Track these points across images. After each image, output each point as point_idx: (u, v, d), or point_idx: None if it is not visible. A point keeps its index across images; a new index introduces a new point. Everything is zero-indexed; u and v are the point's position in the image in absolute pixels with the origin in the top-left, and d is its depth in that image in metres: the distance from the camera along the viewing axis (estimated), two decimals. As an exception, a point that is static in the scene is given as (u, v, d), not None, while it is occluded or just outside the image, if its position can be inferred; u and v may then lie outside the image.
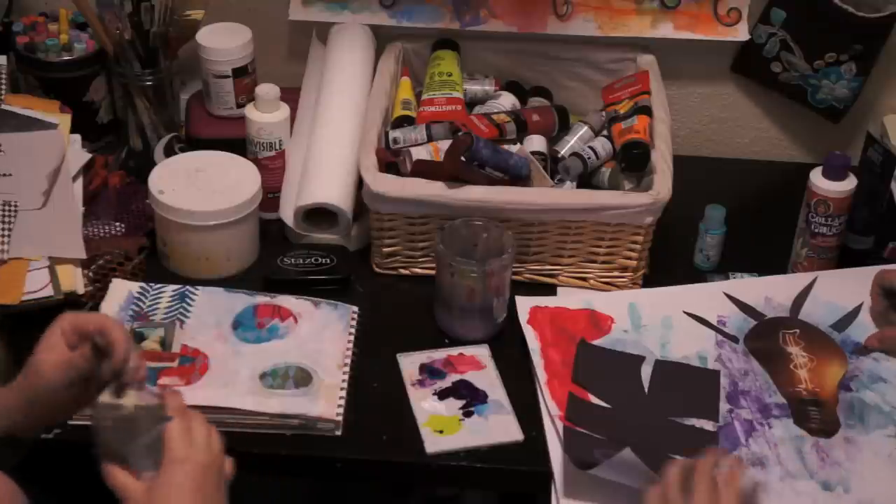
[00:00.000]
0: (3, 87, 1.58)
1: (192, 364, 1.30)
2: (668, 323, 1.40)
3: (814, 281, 1.45)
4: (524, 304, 1.41)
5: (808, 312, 1.42)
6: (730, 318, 1.41)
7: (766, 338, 1.39)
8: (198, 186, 1.45)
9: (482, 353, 1.37)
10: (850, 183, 1.43)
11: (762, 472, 1.22)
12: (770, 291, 1.44)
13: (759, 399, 1.31)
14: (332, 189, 1.46)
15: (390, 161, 1.46)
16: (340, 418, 1.26)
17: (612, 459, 1.17)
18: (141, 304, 1.38)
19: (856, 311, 1.41)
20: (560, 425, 1.25)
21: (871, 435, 1.27)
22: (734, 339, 1.39)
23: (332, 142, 1.51)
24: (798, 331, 1.40)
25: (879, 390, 1.32)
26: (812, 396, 1.31)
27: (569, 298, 1.44)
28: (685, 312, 1.41)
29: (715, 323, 1.40)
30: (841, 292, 1.43)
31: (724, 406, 1.30)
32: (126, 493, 1.05)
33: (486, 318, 1.38)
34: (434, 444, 1.25)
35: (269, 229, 1.53)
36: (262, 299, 1.40)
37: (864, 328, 1.39)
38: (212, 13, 1.63)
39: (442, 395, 1.31)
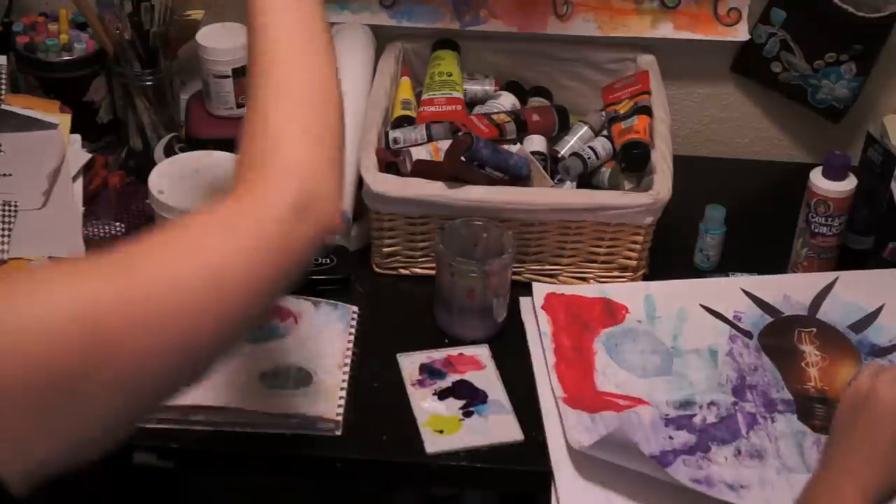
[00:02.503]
0: (3, 87, 1.58)
1: (192, 364, 1.30)
2: (682, 315, 1.40)
3: (835, 281, 1.45)
4: (540, 290, 1.42)
5: (827, 312, 1.42)
6: (746, 313, 1.42)
7: (780, 335, 1.39)
8: (198, 186, 1.45)
9: (482, 353, 1.37)
10: (850, 183, 1.43)
11: (760, 465, 1.22)
12: (789, 289, 1.45)
13: (765, 394, 1.31)
14: (332, 189, 1.46)
15: (390, 161, 1.46)
16: (340, 418, 1.26)
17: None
18: (141, 304, 1.38)
19: (876, 313, 1.41)
20: (563, 406, 1.26)
21: None
22: (748, 334, 1.39)
23: (332, 142, 1.50)
24: (814, 329, 1.40)
25: None
26: (820, 394, 1.32)
27: (585, 287, 1.45)
28: (701, 305, 1.42)
29: (730, 318, 1.41)
30: (862, 293, 1.44)
31: (728, 398, 1.30)
32: None
33: (486, 318, 1.38)
34: (434, 444, 1.25)
35: (269, 229, 1.53)
36: (262, 299, 1.40)
37: (883, 330, 1.39)
38: (212, 13, 1.63)
39: (442, 395, 1.31)
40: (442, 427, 1.27)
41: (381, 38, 1.67)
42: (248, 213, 0.90)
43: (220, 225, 0.89)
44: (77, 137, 1.55)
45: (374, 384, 1.32)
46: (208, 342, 0.86)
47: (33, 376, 0.76)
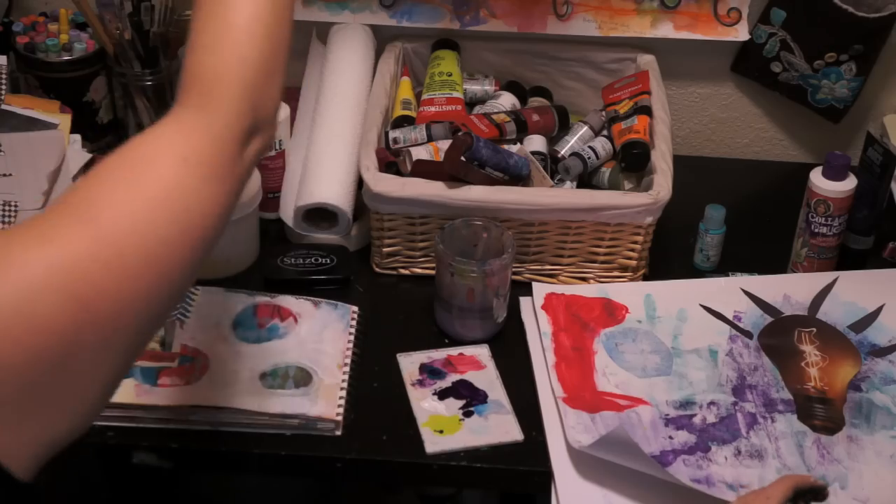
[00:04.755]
0: (3, 87, 1.58)
1: (192, 364, 1.30)
2: (682, 315, 1.40)
3: (834, 281, 1.45)
4: (540, 290, 1.42)
5: (827, 312, 1.42)
6: (746, 313, 1.42)
7: (780, 335, 1.39)
8: (198, 186, 1.45)
9: (482, 353, 1.37)
10: (850, 183, 1.43)
11: (759, 465, 1.22)
12: (789, 289, 1.45)
13: (765, 394, 1.31)
14: (332, 189, 1.46)
15: (390, 161, 1.46)
16: (340, 418, 1.26)
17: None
18: (141, 304, 1.38)
19: (875, 313, 1.42)
20: (563, 406, 1.26)
21: (875, 435, 1.27)
22: (748, 334, 1.39)
23: (332, 142, 1.51)
24: (814, 329, 1.40)
25: (891, 392, 1.32)
26: (819, 394, 1.32)
27: (585, 287, 1.45)
28: (701, 305, 1.42)
29: (731, 318, 1.41)
30: (862, 293, 1.44)
31: (728, 398, 1.30)
32: None
33: (486, 318, 1.38)
34: (434, 444, 1.25)
35: (269, 229, 1.53)
36: (262, 299, 1.40)
37: (882, 330, 1.40)
38: (212, 13, 1.62)
39: (442, 395, 1.31)
40: (442, 427, 1.27)
41: (381, 38, 1.67)
42: (203, 134, 0.88)
43: (173, 148, 0.86)
44: (77, 137, 1.55)
45: (374, 384, 1.32)
46: (179, 275, 0.84)
47: (21, 358, 0.73)
